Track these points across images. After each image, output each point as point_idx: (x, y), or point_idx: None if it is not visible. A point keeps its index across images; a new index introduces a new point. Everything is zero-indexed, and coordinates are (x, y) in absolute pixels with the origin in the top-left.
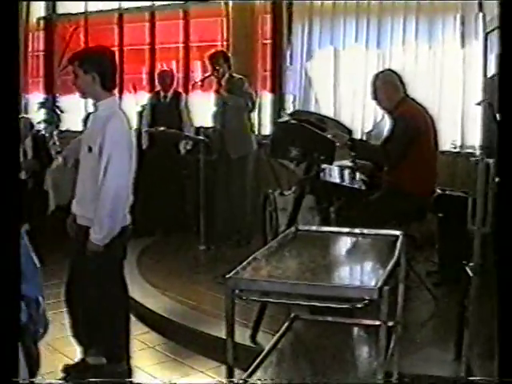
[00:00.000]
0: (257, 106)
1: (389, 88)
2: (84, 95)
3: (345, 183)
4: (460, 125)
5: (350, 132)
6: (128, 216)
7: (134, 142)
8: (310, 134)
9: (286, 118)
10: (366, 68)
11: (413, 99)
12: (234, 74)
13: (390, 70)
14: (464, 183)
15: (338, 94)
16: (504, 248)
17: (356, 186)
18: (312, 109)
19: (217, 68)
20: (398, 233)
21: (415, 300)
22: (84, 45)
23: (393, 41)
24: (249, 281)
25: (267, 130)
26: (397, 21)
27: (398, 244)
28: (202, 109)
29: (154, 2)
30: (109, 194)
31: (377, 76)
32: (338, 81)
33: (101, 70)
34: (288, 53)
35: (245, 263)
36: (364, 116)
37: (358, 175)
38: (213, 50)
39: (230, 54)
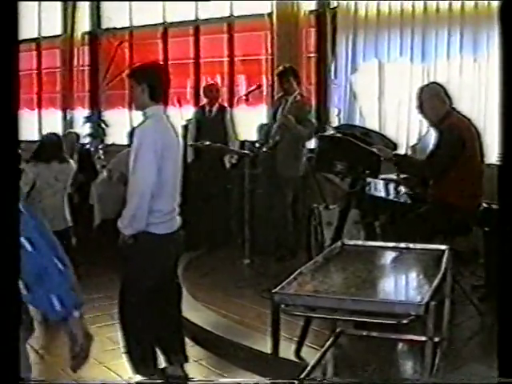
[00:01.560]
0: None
1: (435, 101)
2: (136, 107)
3: (390, 197)
4: None
5: (394, 146)
6: (173, 222)
7: (169, 143)
8: (355, 148)
9: (331, 132)
10: (410, 81)
11: (458, 112)
12: (302, 94)
13: (435, 83)
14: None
15: (383, 108)
16: None
17: (401, 200)
18: (357, 122)
19: (286, 86)
20: (443, 247)
21: (461, 315)
22: (129, 59)
23: (437, 54)
24: (294, 296)
25: (312, 143)
26: (441, 34)
27: (444, 259)
28: (247, 123)
29: (199, 16)
30: (133, 188)
31: (422, 89)
32: (382, 94)
33: (150, 82)
34: (332, 66)
35: (291, 278)
36: (409, 129)
37: (403, 189)
38: (281, 67)
39: (298, 72)
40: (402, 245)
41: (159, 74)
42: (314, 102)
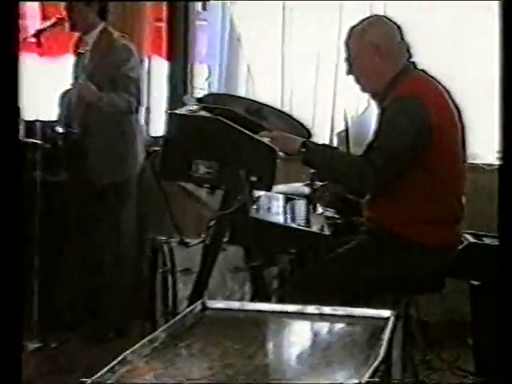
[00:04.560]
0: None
1: (375, 53)
2: None
3: (294, 224)
4: None
5: (308, 132)
6: None
7: None
8: (233, 137)
9: (191, 108)
10: (341, 14)
11: (423, 71)
12: (112, 30)
13: (378, 16)
14: None
15: (289, 64)
16: None
17: (315, 230)
18: (241, 91)
19: (75, 19)
20: (387, 313)
21: None
22: None
23: None
24: None
25: (160, 127)
26: None
27: (387, 333)
28: (41, 87)
29: None
30: None
31: (351, 31)
32: (290, 39)
33: None
34: None
35: (106, 369)
36: (335, 103)
37: (318, 209)
38: None
39: None
40: (312, 309)
41: None
42: (164, 53)
